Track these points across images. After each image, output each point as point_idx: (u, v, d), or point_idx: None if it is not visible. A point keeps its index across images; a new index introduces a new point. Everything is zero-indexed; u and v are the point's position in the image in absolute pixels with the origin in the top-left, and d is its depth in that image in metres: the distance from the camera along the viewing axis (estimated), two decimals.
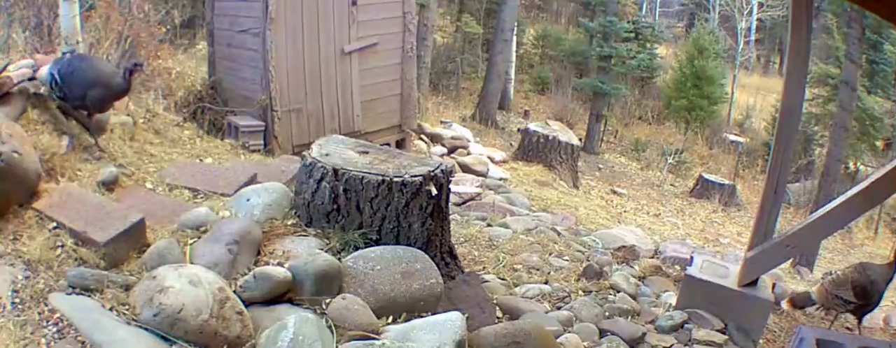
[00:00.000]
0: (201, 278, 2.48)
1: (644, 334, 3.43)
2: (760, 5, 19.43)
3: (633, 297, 3.89)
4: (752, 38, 20.20)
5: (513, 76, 15.52)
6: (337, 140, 3.50)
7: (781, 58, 23.51)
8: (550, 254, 4.36)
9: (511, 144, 11.86)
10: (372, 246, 3.04)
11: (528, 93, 17.11)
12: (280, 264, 2.82)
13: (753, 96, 19.40)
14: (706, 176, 12.39)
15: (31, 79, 3.91)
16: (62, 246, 2.75)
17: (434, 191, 3.12)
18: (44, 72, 3.87)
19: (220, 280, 2.57)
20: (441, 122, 10.97)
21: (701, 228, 10.28)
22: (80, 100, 3.85)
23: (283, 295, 2.70)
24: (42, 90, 3.89)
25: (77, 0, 6.11)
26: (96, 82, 3.83)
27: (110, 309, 2.45)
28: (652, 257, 4.97)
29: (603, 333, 3.39)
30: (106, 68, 4.03)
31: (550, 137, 10.24)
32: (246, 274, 2.74)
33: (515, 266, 4.05)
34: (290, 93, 6.76)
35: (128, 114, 4.66)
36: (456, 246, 3.80)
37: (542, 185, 9.31)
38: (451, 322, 2.59)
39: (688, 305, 3.69)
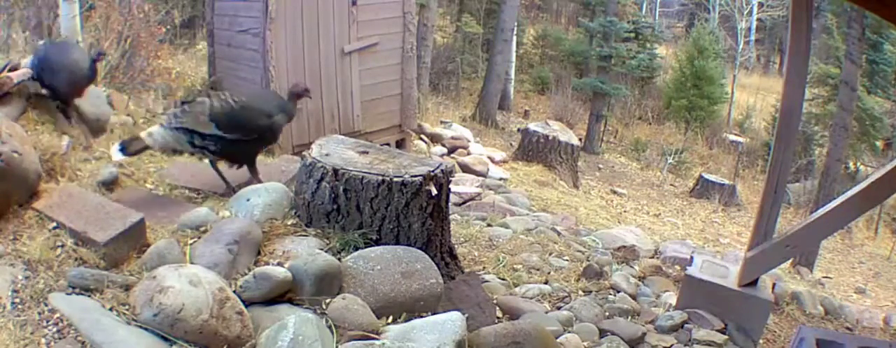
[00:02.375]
0: (201, 278, 2.48)
1: (644, 334, 3.43)
2: (760, 5, 19.43)
3: (633, 297, 3.89)
4: (752, 38, 20.20)
5: (513, 76, 15.52)
6: (337, 140, 3.50)
7: (781, 58, 23.50)
8: (550, 254, 4.36)
9: (511, 144, 11.87)
10: (372, 246, 3.04)
11: (528, 93, 17.11)
12: (280, 264, 2.82)
13: (753, 96, 19.41)
14: (706, 176, 12.40)
15: (24, 80, 3.92)
16: (62, 246, 2.75)
17: (434, 191, 3.12)
18: (27, 61, 3.95)
19: (220, 280, 2.57)
20: (441, 122, 10.97)
21: (701, 228, 10.28)
22: (53, 86, 3.91)
23: (283, 295, 2.70)
24: (28, 81, 3.92)
25: (77, 0, 6.12)
26: (64, 68, 3.88)
27: (110, 309, 2.45)
28: (652, 257, 4.97)
29: (603, 333, 3.39)
30: (76, 54, 4.03)
31: (550, 137, 10.24)
32: (246, 274, 2.74)
33: (515, 266, 4.05)
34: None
35: (128, 115, 4.66)
36: (456, 246, 3.80)
37: (542, 185, 9.31)
38: (451, 322, 2.59)
39: (688, 305, 3.69)
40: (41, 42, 4.24)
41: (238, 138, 3.58)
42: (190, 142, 3.55)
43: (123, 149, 3.61)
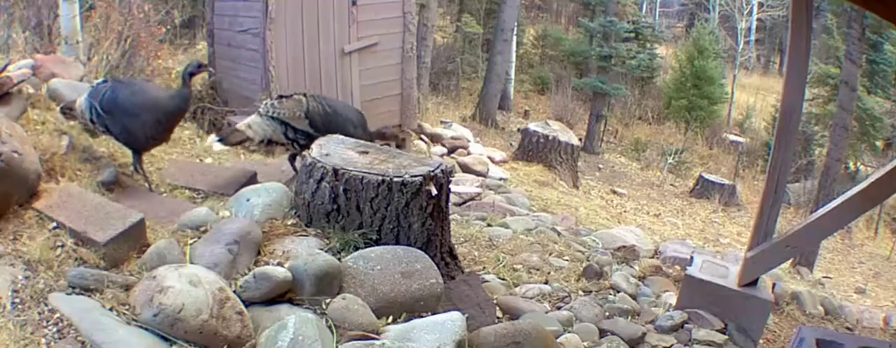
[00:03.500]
0: (201, 278, 2.48)
1: (644, 334, 3.43)
2: (760, 5, 19.43)
3: (633, 297, 3.89)
4: (752, 38, 20.20)
5: (513, 76, 15.52)
6: (337, 140, 3.50)
7: (781, 58, 23.50)
8: (550, 254, 4.36)
9: (511, 144, 11.87)
10: (372, 246, 3.04)
11: (528, 93, 17.10)
12: (280, 264, 2.82)
13: (753, 96, 19.40)
14: (706, 176, 12.39)
15: (68, 109, 3.79)
16: (62, 246, 2.75)
17: (434, 191, 3.12)
18: (82, 103, 3.68)
19: (220, 280, 2.57)
20: (441, 122, 10.97)
21: (701, 228, 10.28)
22: (128, 132, 3.63)
23: (283, 295, 2.70)
24: (80, 120, 3.75)
25: (77, 0, 6.12)
26: (143, 109, 3.59)
27: (110, 309, 2.45)
28: (652, 257, 4.97)
29: (603, 333, 3.39)
30: (155, 90, 3.78)
31: (550, 137, 10.24)
32: (246, 274, 2.74)
33: (515, 266, 4.05)
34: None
35: None
36: (456, 246, 3.80)
37: (542, 185, 9.31)
38: (451, 322, 2.59)
39: (688, 305, 3.69)
40: (100, 81, 3.83)
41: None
42: (284, 133, 3.73)
43: (222, 140, 3.82)
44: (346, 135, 3.75)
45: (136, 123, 3.60)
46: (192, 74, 3.70)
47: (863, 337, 3.92)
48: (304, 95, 3.87)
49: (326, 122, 3.75)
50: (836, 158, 11.55)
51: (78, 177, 3.48)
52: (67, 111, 3.80)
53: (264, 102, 4.01)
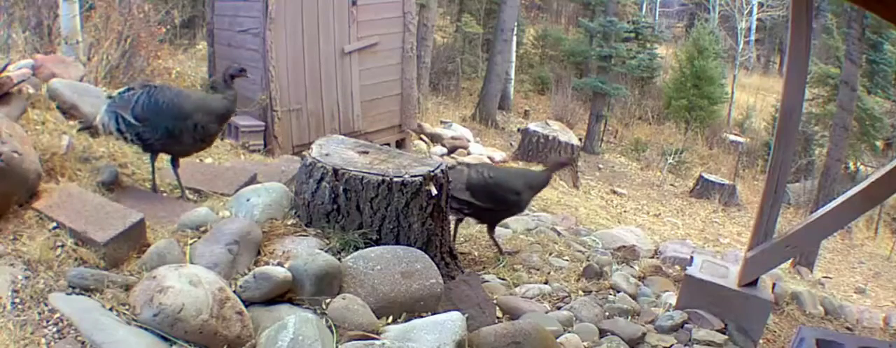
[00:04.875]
0: (201, 278, 2.48)
1: (644, 334, 3.43)
2: (760, 5, 19.43)
3: (633, 297, 3.89)
4: (752, 38, 20.19)
5: (513, 76, 15.52)
6: (337, 140, 3.50)
7: (781, 58, 23.50)
8: (550, 254, 4.36)
9: (511, 144, 11.87)
10: (372, 246, 3.04)
11: (528, 93, 17.10)
12: (280, 264, 2.82)
13: (753, 96, 19.40)
14: (706, 176, 12.39)
15: (88, 128, 3.74)
16: (62, 246, 2.75)
17: (434, 191, 3.13)
18: (102, 117, 3.59)
19: (220, 280, 2.57)
20: (441, 122, 10.98)
21: (701, 228, 10.28)
22: (168, 137, 3.57)
23: (283, 295, 2.70)
24: (104, 134, 3.68)
25: (77, 0, 6.12)
26: (196, 109, 3.56)
27: (110, 309, 2.45)
28: (652, 257, 4.97)
29: (603, 333, 3.39)
30: (198, 93, 3.81)
31: (550, 137, 10.26)
32: (246, 274, 2.74)
33: (515, 266, 4.05)
34: (290, 94, 6.76)
35: None
36: (456, 246, 3.80)
37: None
38: (451, 322, 2.59)
39: (688, 305, 3.69)
40: (121, 91, 3.70)
41: (487, 207, 3.89)
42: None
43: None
44: (504, 201, 3.88)
45: (185, 126, 3.56)
46: (233, 76, 3.71)
47: (863, 337, 3.92)
48: (468, 165, 4.00)
49: (486, 192, 3.85)
50: (836, 158, 11.55)
51: (78, 177, 3.48)
52: (88, 129, 3.77)
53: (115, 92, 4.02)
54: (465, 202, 3.87)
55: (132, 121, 3.52)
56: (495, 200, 3.89)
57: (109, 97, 3.70)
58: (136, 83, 3.80)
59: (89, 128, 3.75)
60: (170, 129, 3.54)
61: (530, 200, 4.07)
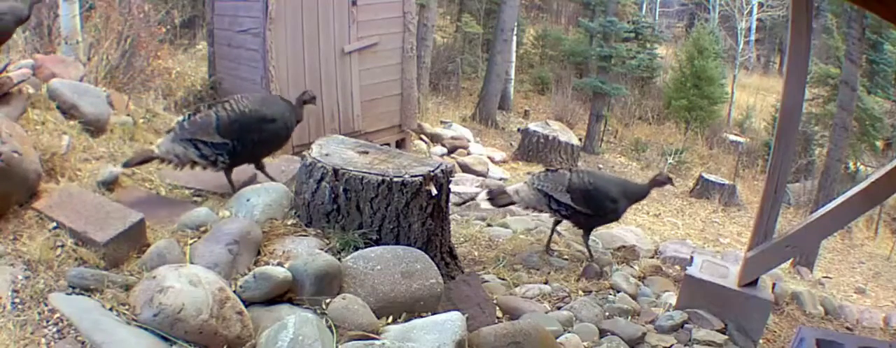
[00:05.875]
0: (201, 278, 2.48)
1: (644, 334, 3.43)
2: (760, 5, 19.42)
3: (633, 297, 3.89)
4: (752, 38, 20.18)
5: (513, 76, 15.51)
6: (337, 140, 3.50)
7: (781, 58, 23.50)
8: (550, 254, 4.36)
9: (511, 144, 11.87)
10: (372, 246, 3.04)
11: (528, 93, 17.09)
12: (280, 264, 2.82)
13: (753, 96, 19.40)
14: (706, 176, 12.39)
15: (147, 160, 3.62)
16: (62, 246, 2.75)
17: (434, 191, 3.13)
18: (169, 148, 3.53)
19: (220, 280, 2.57)
20: (441, 122, 10.98)
21: (701, 228, 10.28)
22: (260, 143, 3.66)
23: (283, 295, 2.70)
24: (176, 165, 3.61)
25: (77, 0, 6.12)
26: (285, 111, 3.74)
27: (110, 309, 2.45)
28: (652, 257, 4.97)
29: (603, 333, 3.39)
30: (278, 105, 3.86)
31: (550, 137, 10.25)
32: (246, 274, 2.74)
33: (515, 266, 4.05)
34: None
35: (128, 115, 4.66)
36: (456, 246, 3.80)
37: None
38: (451, 322, 2.59)
39: (688, 305, 3.69)
40: (181, 119, 3.67)
41: (588, 213, 4.05)
42: (548, 205, 4.06)
43: (492, 200, 4.13)
44: (602, 208, 4.03)
45: (276, 128, 3.68)
46: (305, 102, 3.93)
47: (863, 337, 3.92)
48: (570, 169, 4.15)
49: (589, 199, 3.99)
50: (836, 158, 11.55)
51: (78, 177, 3.48)
52: (144, 162, 3.64)
53: (533, 173, 4.35)
54: (564, 204, 4.01)
55: (219, 140, 3.53)
56: (593, 206, 4.01)
57: (170, 131, 3.65)
58: (196, 108, 3.80)
59: (146, 161, 3.64)
60: (260, 138, 3.62)
61: (626, 210, 4.19)
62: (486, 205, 4.24)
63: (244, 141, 3.56)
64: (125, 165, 3.59)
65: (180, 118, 3.73)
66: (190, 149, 3.54)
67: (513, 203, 4.15)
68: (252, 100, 3.68)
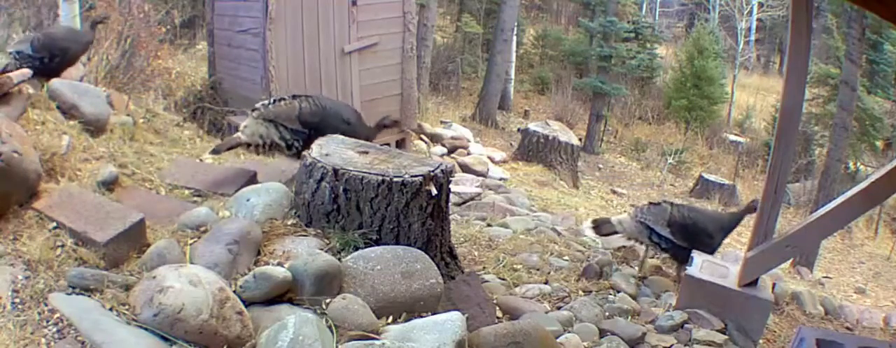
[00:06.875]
0: (201, 278, 2.48)
1: (644, 334, 3.43)
2: (760, 5, 19.43)
3: (633, 297, 3.89)
4: (752, 38, 20.20)
5: (513, 76, 15.51)
6: (337, 140, 3.50)
7: (781, 58, 23.50)
8: (550, 254, 4.36)
9: (511, 144, 11.86)
10: (372, 246, 3.04)
11: (528, 93, 17.10)
12: (280, 264, 2.82)
13: (753, 96, 19.40)
14: (706, 176, 12.39)
15: (234, 146, 4.07)
16: (62, 246, 2.75)
17: (434, 191, 3.12)
18: (256, 129, 4.00)
19: (220, 280, 2.57)
20: (441, 122, 10.98)
21: None
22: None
23: (283, 295, 2.70)
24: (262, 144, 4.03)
25: (77, 0, 6.12)
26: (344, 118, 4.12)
27: (110, 309, 2.45)
28: (652, 257, 4.96)
29: (603, 333, 3.39)
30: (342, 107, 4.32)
31: (550, 137, 10.24)
32: (246, 274, 2.74)
33: (515, 266, 4.05)
34: (289, 93, 6.75)
35: (128, 115, 4.66)
36: (456, 246, 3.80)
37: (542, 185, 9.31)
38: (451, 322, 2.59)
39: (688, 305, 3.69)
40: (284, 101, 4.19)
41: (683, 246, 4.17)
42: (649, 237, 4.21)
43: (595, 227, 4.30)
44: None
45: (349, 130, 3.97)
46: (384, 126, 4.47)
47: (863, 337, 3.92)
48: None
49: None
50: (836, 158, 11.55)
51: (78, 177, 3.48)
52: (232, 148, 4.11)
53: (638, 206, 4.45)
54: (664, 238, 4.14)
55: (298, 127, 3.99)
56: (691, 240, 4.14)
57: (254, 110, 4.08)
58: (282, 96, 4.28)
59: (234, 147, 4.09)
60: (336, 132, 3.85)
61: (721, 244, 4.33)
62: (590, 233, 4.42)
63: (321, 133, 3.78)
64: (214, 152, 4.06)
65: (264, 101, 4.15)
66: (272, 130, 3.96)
67: (616, 232, 4.30)
68: (335, 101, 4.23)
